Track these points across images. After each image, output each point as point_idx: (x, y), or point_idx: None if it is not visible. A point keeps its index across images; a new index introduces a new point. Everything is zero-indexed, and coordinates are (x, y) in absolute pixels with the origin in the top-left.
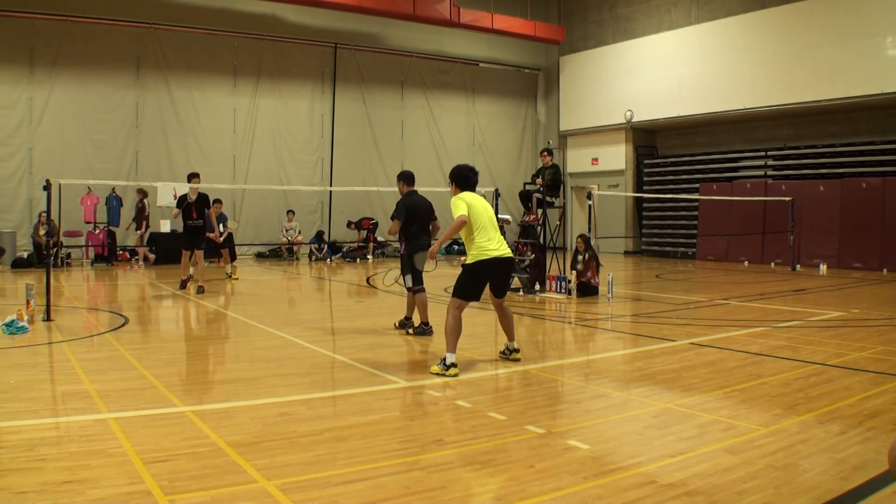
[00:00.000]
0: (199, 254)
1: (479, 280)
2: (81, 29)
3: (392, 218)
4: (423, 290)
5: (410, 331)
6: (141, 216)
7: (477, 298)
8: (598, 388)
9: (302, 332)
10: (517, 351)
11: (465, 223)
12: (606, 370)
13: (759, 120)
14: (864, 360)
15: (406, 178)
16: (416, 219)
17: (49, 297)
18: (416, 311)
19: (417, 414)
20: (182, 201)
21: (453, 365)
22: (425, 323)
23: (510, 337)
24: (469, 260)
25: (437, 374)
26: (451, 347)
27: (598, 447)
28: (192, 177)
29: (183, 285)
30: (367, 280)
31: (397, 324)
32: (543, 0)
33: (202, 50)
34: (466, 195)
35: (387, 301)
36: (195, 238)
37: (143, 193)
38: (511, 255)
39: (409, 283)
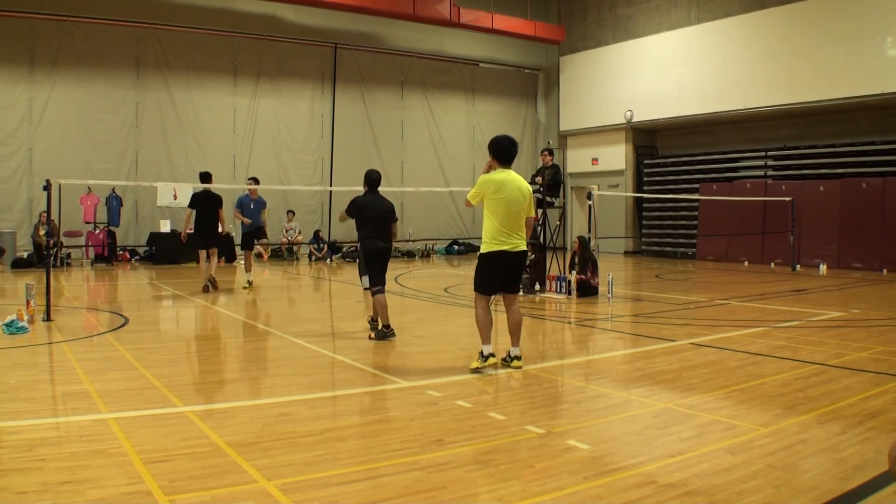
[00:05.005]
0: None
1: (486, 273)
2: (81, 29)
3: (345, 211)
4: (381, 291)
5: (372, 334)
6: None
7: (490, 292)
8: (598, 388)
9: (302, 332)
10: (518, 358)
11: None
12: (606, 370)
13: (760, 120)
14: (864, 360)
15: (368, 179)
16: (369, 220)
17: (49, 297)
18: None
19: (417, 414)
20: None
21: (491, 355)
22: (386, 326)
23: (514, 341)
24: (481, 249)
25: (476, 368)
26: (484, 339)
27: (598, 447)
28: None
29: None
30: None
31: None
32: (543, 0)
33: (202, 50)
34: (498, 174)
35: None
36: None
37: None
38: (520, 248)
39: (366, 284)
